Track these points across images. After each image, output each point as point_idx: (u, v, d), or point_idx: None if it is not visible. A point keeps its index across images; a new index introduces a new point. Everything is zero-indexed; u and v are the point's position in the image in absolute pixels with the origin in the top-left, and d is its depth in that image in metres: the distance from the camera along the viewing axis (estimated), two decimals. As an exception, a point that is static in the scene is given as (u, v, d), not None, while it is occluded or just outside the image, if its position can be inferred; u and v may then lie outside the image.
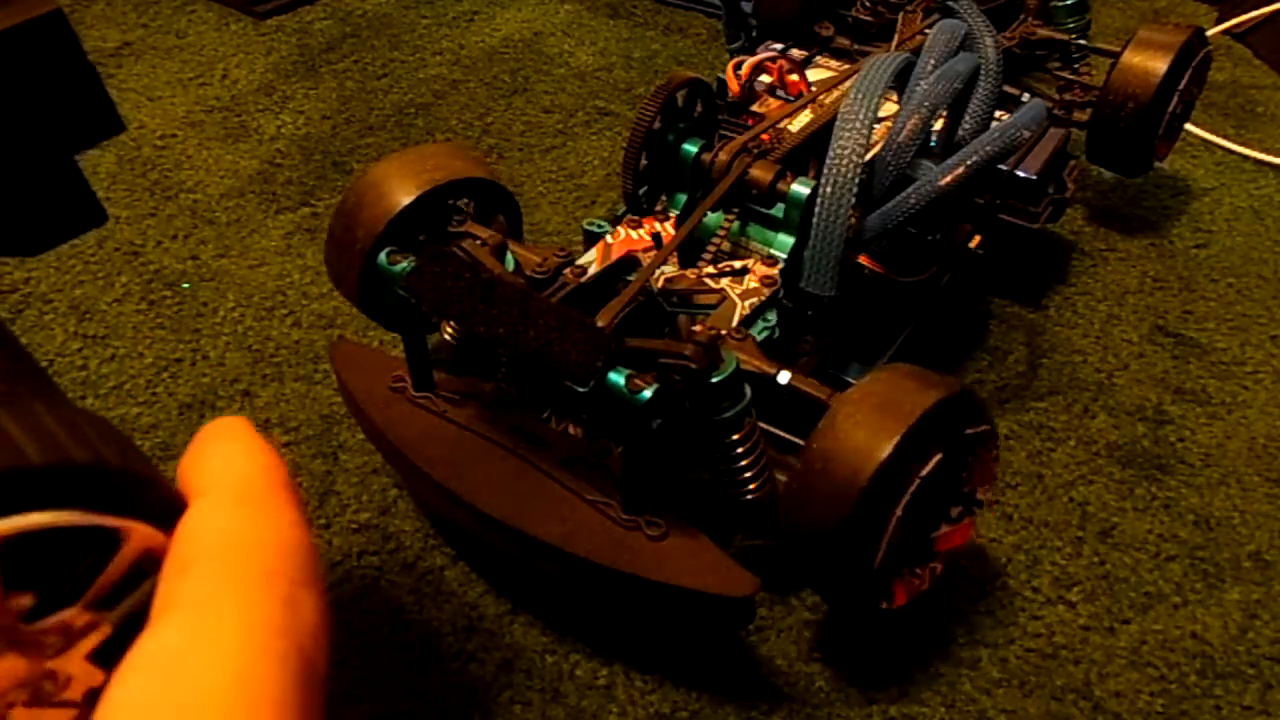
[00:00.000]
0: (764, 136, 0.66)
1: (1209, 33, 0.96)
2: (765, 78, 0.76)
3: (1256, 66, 1.14)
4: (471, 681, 0.55)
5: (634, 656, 0.56)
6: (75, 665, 0.19)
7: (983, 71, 0.67)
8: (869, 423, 0.48)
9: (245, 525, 0.18)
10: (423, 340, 0.56)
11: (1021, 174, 0.75)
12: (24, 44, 0.23)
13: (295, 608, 0.17)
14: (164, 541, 0.20)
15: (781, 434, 0.56)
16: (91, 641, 0.19)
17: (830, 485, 0.47)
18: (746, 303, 0.58)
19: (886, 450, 0.46)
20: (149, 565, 0.20)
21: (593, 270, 0.58)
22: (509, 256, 0.62)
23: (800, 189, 0.60)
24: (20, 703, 0.18)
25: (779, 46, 0.85)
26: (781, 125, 0.68)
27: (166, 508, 0.20)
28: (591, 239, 0.63)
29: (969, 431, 0.50)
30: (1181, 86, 0.81)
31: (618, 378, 0.46)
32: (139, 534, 0.19)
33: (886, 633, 0.58)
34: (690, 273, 0.60)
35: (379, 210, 0.60)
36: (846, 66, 0.81)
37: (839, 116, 0.59)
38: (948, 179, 0.60)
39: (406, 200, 0.60)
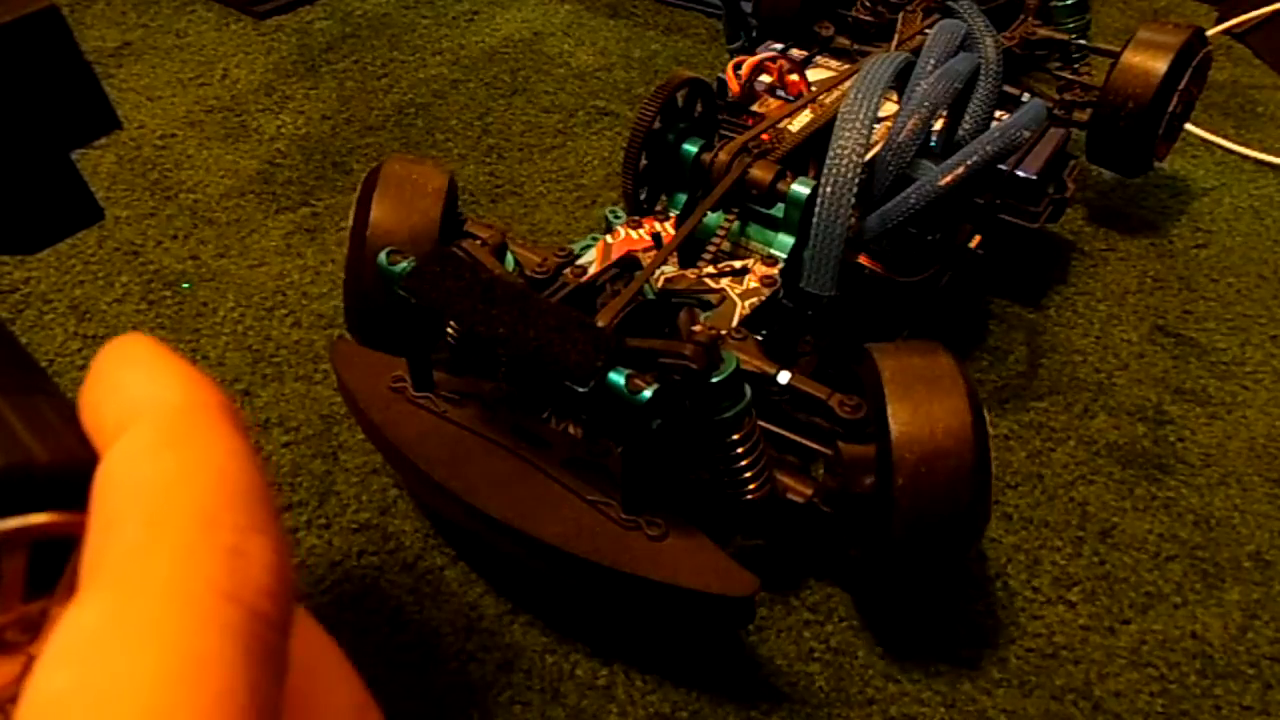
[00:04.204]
0: (764, 136, 0.66)
1: (1209, 33, 0.96)
2: (765, 78, 0.76)
3: (1256, 66, 1.14)
4: (471, 681, 0.55)
5: (634, 656, 0.56)
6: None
7: (983, 71, 0.67)
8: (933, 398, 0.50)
9: (175, 467, 0.15)
10: (425, 345, 0.56)
11: (1021, 174, 0.75)
12: (19, 40, 0.23)
13: (242, 560, 0.14)
14: None
15: (802, 440, 0.56)
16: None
17: (943, 467, 0.49)
18: (746, 303, 0.58)
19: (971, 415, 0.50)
20: None
21: (593, 270, 0.58)
22: (509, 256, 0.62)
23: (800, 189, 0.60)
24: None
25: (779, 46, 0.85)
26: (781, 125, 0.68)
27: None
28: (610, 229, 0.63)
29: None
30: (1181, 86, 0.81)
31: (618, 378, 0.46)
32: None
33: (886, 633, 0.58)
34: (690, 273, 0.60)
35: None
36: (846, 66, 0.81)
37: (839, 116, 0.58)
38: (948, 179, 0.60)
39: None
